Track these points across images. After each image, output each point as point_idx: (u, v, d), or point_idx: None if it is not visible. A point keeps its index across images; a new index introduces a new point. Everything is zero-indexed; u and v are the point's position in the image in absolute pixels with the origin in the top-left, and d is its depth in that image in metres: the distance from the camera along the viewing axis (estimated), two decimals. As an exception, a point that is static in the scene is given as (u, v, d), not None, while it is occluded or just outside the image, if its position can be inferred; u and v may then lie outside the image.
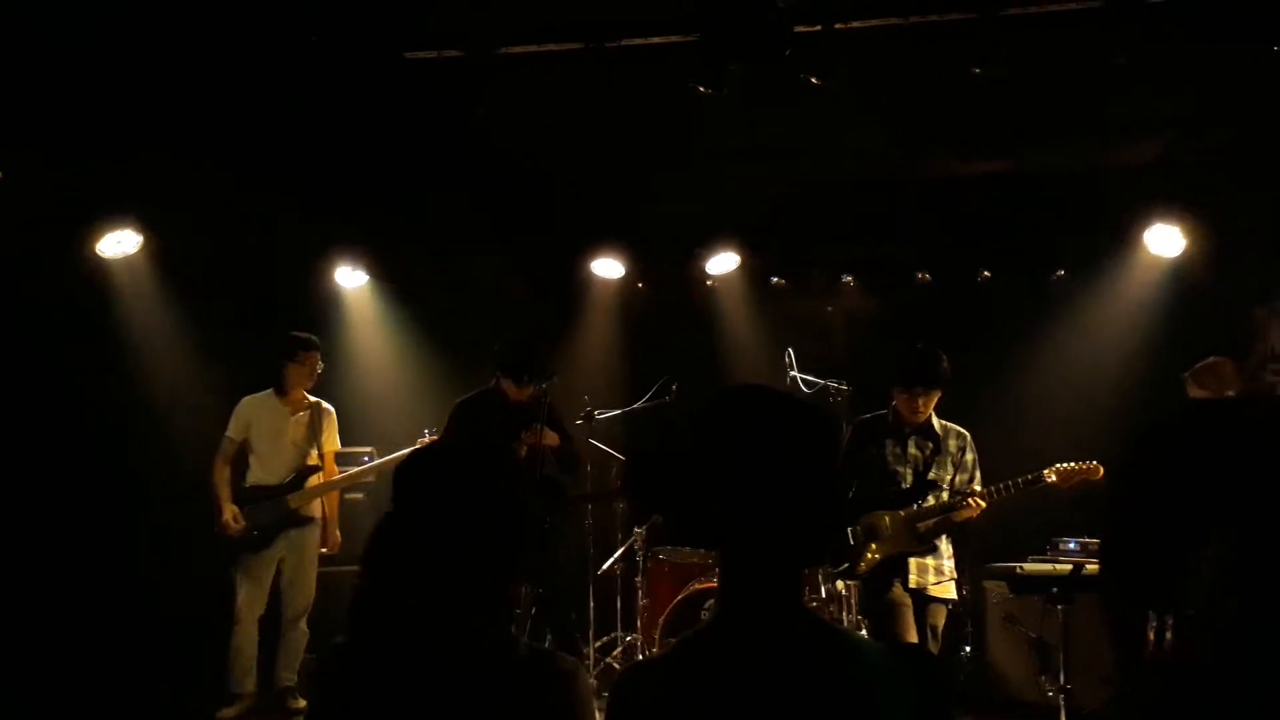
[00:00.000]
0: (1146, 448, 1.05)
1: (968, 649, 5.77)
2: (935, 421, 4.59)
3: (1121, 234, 6.31)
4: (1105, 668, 5.06)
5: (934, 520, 4.47)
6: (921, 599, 4.49)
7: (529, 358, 5.20)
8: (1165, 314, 6.30)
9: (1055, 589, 4.94)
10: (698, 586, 5.58)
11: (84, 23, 4.43)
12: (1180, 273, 6.23)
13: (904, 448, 4.56)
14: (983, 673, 5.69)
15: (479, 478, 1.79)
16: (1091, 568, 5.16)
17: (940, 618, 4.53)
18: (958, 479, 4.56)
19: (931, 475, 4.54)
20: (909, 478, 4.54)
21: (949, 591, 4.58)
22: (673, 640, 5.31)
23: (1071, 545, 5.51)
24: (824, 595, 5.23)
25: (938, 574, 4.53)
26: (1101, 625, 5.01)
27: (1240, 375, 4.73)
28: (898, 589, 4.48)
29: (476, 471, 1.80)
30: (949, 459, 4.57)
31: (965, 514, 4.46)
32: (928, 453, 4.56)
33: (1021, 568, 5.36)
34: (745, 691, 1.36)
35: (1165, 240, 6.13)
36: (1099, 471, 4.38)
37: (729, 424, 1.46)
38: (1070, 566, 5.07)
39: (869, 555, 4.52)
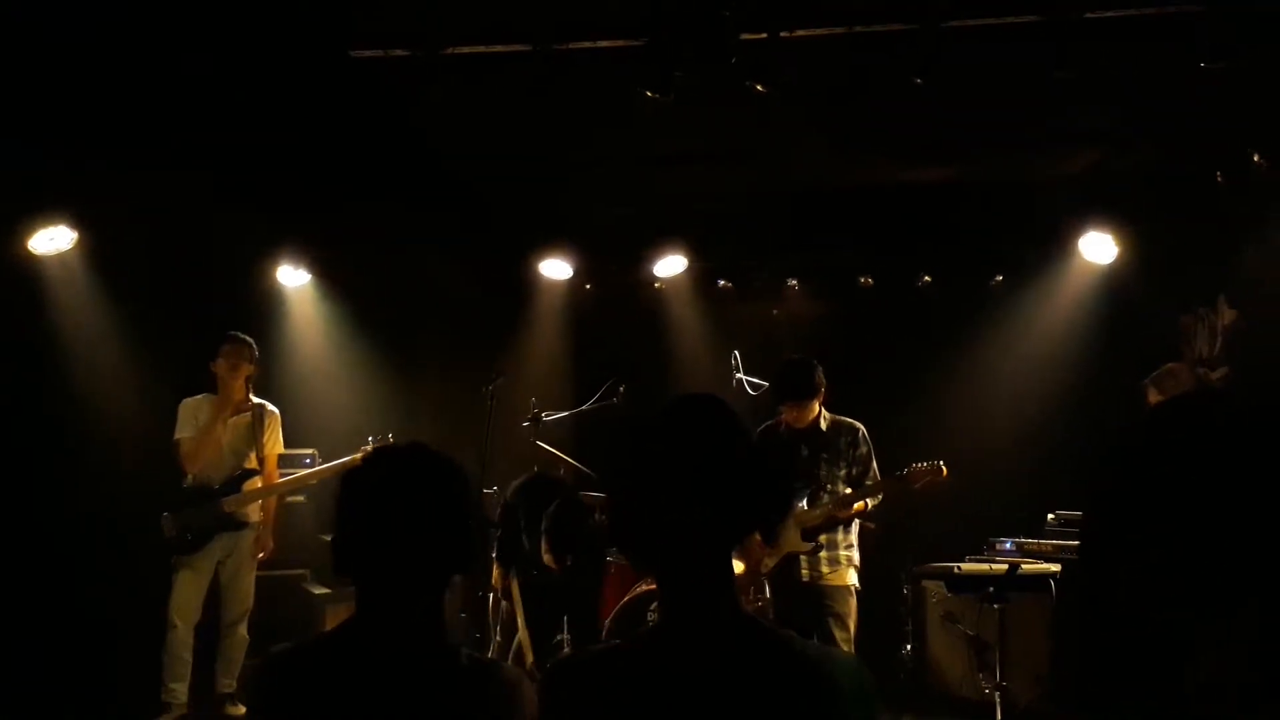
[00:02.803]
0: (1121, 465, 1.02)
1: (908, 647, 5.87)
2: (824, 421, 4.76)
3: (1057, 241, 6.48)
4: (1039, 665, 5.20)
5: (819, 519, 4.64)
6: (817, 590, 4.65)
7: None
8: (1098, 319, 6.49)
9: (991, 588, 5.07)
10: (644, 588, 5.59)
11: (16, 17, 4.32)
12: (1112, 279, 6.42)
13: (794, 453, 4.70)
14: (922, 670, 5.80)
15: (419, 485, 1.79)
16: (1028, 567, 5.30)
17: (842, 604, 4.67)
18: (853, 472, 4.72)
19: (821, 474, 4.70)
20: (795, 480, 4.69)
21: (847, 578, 4.72)
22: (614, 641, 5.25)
23: (1008, 545, 5.64)
24: (768, 595, 5.29)
25: (831, 564, 4.69)
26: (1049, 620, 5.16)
27: (1195, 379, 4.89)
28: (797, 581, 4.66)
29: (417, 478, 1.80)
30: (839, 456, 4.73)
31: (845, 512, 4.65)
32: (814, 454, 4.73)
33: (959, 567, 5.48)
34: (683, 692, 1.39)
35: (1098, 248, 6.31)
36: (943, 471, 4.60)
37: (637, 440, 1.51)
38: (1006, 566, 5.19)
39: (765, 560, 4.73)
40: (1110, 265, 6.37)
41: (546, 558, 4.96)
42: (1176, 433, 0.98)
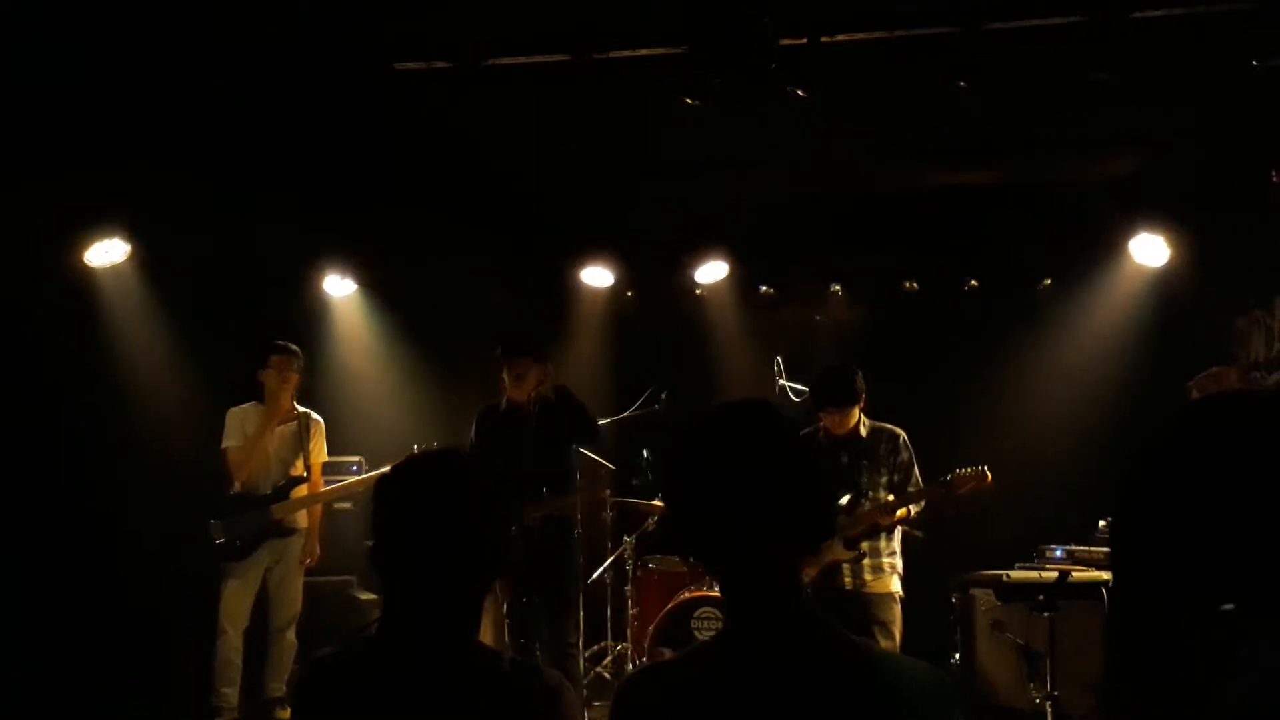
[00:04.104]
0: (1147, 465, 0.98)
1: (956, 656, 5.79)
2: (864, 427, 4.71)
3: (1107, 244, 6.36)
4: (1091, 675, 5.09)
5: (861, 528, 4.58)
6: (860, 598, 4.60)
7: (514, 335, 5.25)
8: (1150, 322, 6.35)
9: (1041, 596, 4.98)
10: (687, 595, 5.59)
11: (72, 34, 4.43)
12: (1164, 282, 6.29)
13: (834, 460, 4.65)
14: (970, 680, 5.71)
15: (451, 490, 1.80)
16: (1078, 575, 5.20)
17: (886, 611, 4.63)
18: (894, 478, 4.67)
19: (862, 481, 4.65)
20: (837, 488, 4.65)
21: (890, 586, 4.68)
22: (663, 650, 5.24)
23: (1058, 553, 5.54)
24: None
25: (874, 571, 4.64)
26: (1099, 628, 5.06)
27: (1243, 383, 4.78)
28: (840, 589, 4.61)
29: (448, 484, 1.81)
30: (879, 463, 4.67)
31: (887, 519, 4.60)
32: (855, 461, 4.68)
33: (1008, 575, 5.39)
34: (758, 698, 1.38)
35: (1150, 250, 6.18)
36: (987, 477, 4.52)
37: (712, 443, 1.51)
38: (1056, 574, 5.10)
39: (807, 569, 4.64)
40: (1162, 267, 6.24)
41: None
42: (1207, 432, 0.95)
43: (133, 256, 6.00)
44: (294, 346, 5.65)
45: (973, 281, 6.85)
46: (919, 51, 4.49)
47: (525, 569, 4.79)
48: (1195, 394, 4.66)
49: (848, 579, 4.64)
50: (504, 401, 5.17)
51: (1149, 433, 1.00)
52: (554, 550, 5.08)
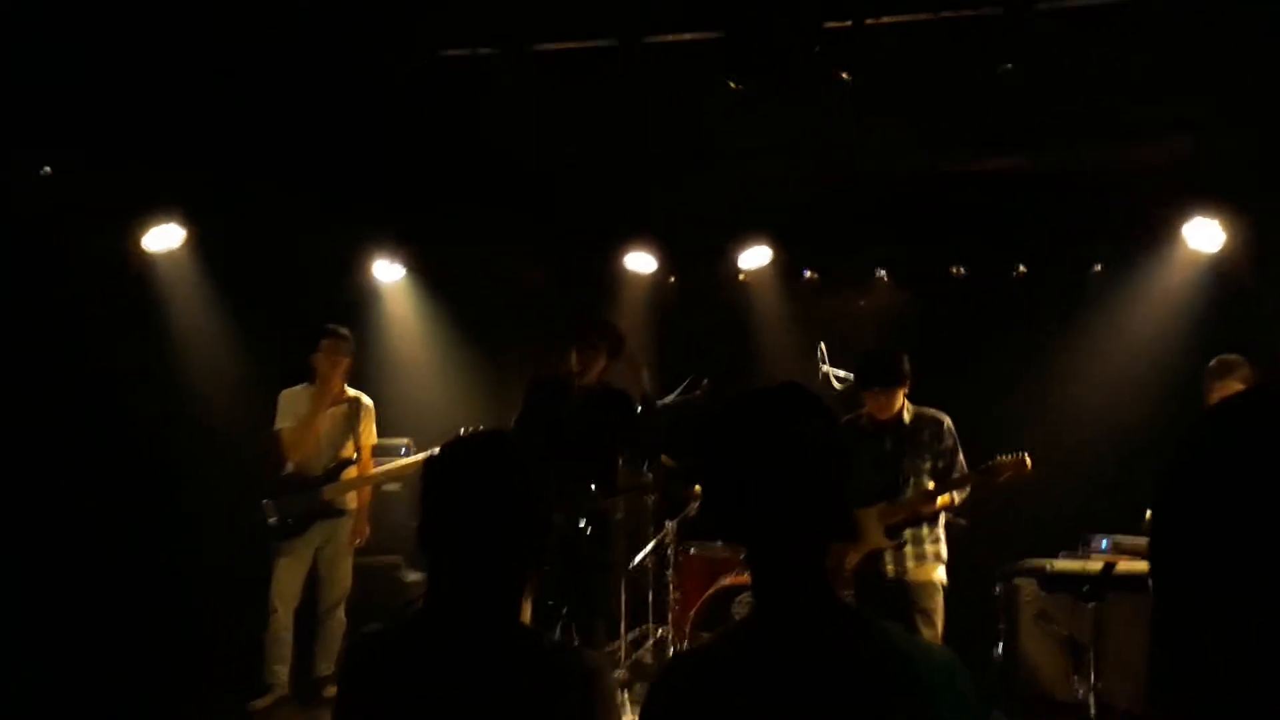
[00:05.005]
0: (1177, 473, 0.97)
1: (1000, 646, 5.74)
2: (907, 413, 4.66)
3: (1160, 229, 6.23)
4: (1136, 667, 5.03)
5: (902, 515, 4.56)
6: (902, 586, 4.57)
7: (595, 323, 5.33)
8: (1204, 308, 6.21)
9: (1086, 587, 4.92)
10: (728, 581, 5.61)
11: (130, 23, 4.54)
12: (1221, 268, 6.14)
13: (878, 445, 4.61)
14: (1015, 670, 5.66)
15: (497, 471, 1.83)
16: (1124, 566, 5.13)
17: (929, 600, 4.60)
18: (939, 465, 4.62)
19: (905, 468, 4.61)
20: (879, 474, 4.60)
21: (933, 574, 4.64)
22: (704, 634, 5.29)
23: (1103, 543, 5.46)
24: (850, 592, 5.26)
25: (917, 559, 4.60)
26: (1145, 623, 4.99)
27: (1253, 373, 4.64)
28: (882, 577, 4.59)
29: (494, 465, 1.84)
30: (924, 449, 4.63)
31: (929, 507, 4.56)
32: (898, 447, 4.64)
33: (1052, 564, 5.33)
34: (785, 683, 1.40)
35: (1204, 235, 6.04)
36: (1027, 464, 4.47)
37: (740, 428, 1.53)
38: (1101, 565, 5.03)
39: (850, 555, 4.63)
40: (1217, 253, 6.10)
41: None
42: (1228, 435, 0.94)
43: (188, 242, 6.14)
44: (344, 330, 5.74)
45: (1021, 268, 6.75)
46: (965, 33, 4.43)
47: (555, 569, 4.75)
48: (1216, 387, 4.54)
49: (890, 566, 4.62)
50: (563, 376, 5.17)
51: (1189, 428, 0.98)
52: (588, 550, 5.06)
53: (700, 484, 1.57)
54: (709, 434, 1.55)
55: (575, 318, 5.32)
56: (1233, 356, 4.75)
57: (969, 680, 1.43)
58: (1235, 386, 4.51)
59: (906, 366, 4.62)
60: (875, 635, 1.43)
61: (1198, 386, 5.83)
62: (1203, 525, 0.90)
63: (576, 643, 4.98)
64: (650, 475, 5.61)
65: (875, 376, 4.61)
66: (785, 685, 1.40)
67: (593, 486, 5.02)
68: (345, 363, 5.70)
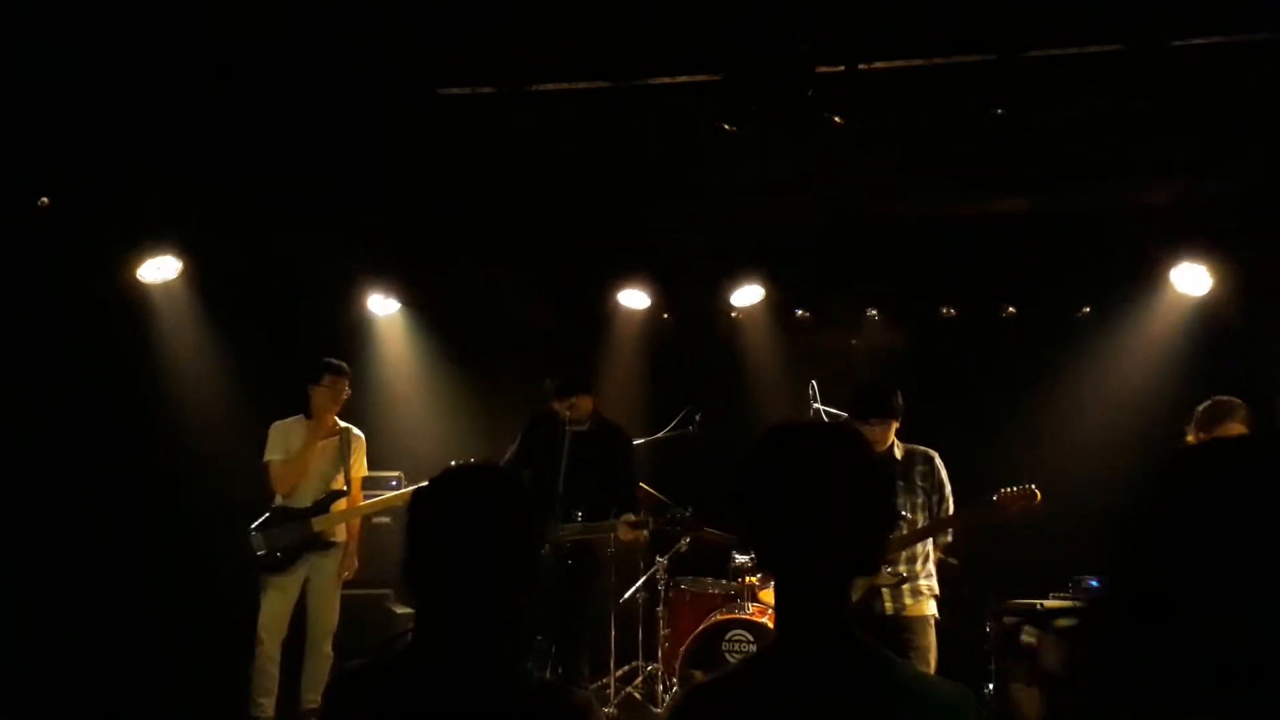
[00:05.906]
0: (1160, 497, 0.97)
1: (991, 686, 5.73)
2: (898, 449, 4.67)
3: (1148, 272, 6.30)
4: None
5: (896, 550, 4.54)
6: (899, 623, 4.55)
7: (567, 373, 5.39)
8: (1192, 352, 6.27)
9: (1076, 627, 4.91)
10: (719, 617, 5.59)
11: (126, 52, 4.59)
12: (1207, 311, 6.21)
13: None
14: (1005, 708, 5.64)
15: (484, 505, 1.80)
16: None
17: (924, 636, 4.58)
18: (931, 500, 4.64)
19: (899, 504, 4.60)
20: None
21: (927, 609, 4.62)
22: (694, 671, 5.20)
23: (1093, 583, 5.47)
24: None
25: (914, 595, 4.59)
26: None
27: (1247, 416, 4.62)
28: (880, 614, 4.56)
29: (482, 498, 1.81)
30: (914, 485, 4.64)
31: (923, 542, 4.57)
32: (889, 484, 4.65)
33: (1042, 604, 5.34)
34: (801, 715, 1.42)
35: (1192, 279, 6.12)
36: (1036, 496, 4.43)
37: (769, 461, 1.54)
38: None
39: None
40: (1205, 297, 6.17)
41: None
42: (1194, 484, 0.93)
43: (184, 273, 6.16)
44: (346, 366, 5.76)
45: (1010, 309, 6.82)
46: (956, 79, 4.51)
47: (541, 602, 4.75)
48: (1201, 430, 4.55)
49: (888, 604, 4.56)
50: (558, 415, 5.24)
51: (1201, 459, 0.97)
52: (574, 583, 5.08)
53: (738, 508, 1.55)
54: (756, 460, 1.55)
55: (552, 377, 5.38)
56: (1229, 398, 4.74)
57: (981, 717, 1.46)
58: (1237, 429, 4.50)
59: (900, 401, 4.63)
60: (891, 671, 1.45)
61: (1184, 429, 5.86)
62: (1220, 552, 0.89)
63: (561, 675, 4.97)
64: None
65: (871, 408, 4.58)
66: (801, 717, 1.42)
67: (580, 515, 5.03)
68: (345, 396, 5.72)
